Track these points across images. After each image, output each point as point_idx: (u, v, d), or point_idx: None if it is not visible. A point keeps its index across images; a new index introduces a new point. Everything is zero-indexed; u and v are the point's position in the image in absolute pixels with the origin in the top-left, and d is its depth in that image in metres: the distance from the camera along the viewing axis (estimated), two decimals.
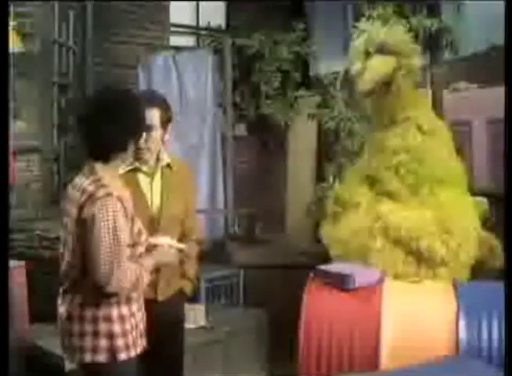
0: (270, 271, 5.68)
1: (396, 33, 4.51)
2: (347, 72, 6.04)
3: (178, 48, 6.98)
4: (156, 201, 3.49)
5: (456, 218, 4.18)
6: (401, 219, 4.21)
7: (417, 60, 4.45)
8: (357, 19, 6.22)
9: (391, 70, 4.35)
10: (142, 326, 3.06)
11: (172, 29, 7.22)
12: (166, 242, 3.17)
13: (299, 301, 3.92)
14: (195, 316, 4.86)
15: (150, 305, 3.29)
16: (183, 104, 6.72)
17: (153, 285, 3.39)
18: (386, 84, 4.39)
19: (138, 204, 3.23)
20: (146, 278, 2.98)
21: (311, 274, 4.10)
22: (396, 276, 4.12)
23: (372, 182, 4.46)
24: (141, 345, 3.03)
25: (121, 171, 3.26)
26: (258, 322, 5.19)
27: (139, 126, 3.01)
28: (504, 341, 3.31)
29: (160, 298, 3.51)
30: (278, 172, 7.50)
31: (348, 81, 6.08)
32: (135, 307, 3.00)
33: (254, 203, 6.83)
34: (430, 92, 5.87)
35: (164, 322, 3.46)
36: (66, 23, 6.05)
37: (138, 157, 3.39)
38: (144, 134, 3.20)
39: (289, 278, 5.34)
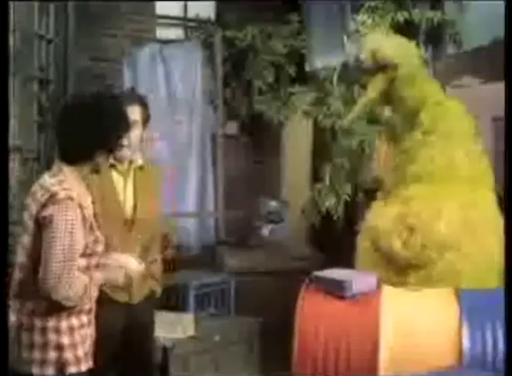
0: (263, 277, 5.70)
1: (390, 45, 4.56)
2: (344, 66, 6.07)
3: (165, 41, 6.99)
4: (130, 202, 3.60)
5: (424, 215, 4.20)
6: (372, 218, 4.31)
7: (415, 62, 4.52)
8: (356, 10, 6.27)
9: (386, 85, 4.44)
10: (92, 339, 3.07)
11: (159, 21, 7.22)
12: (123, 261, 3.18)
13: (293, 310, 3.93)
14: (183, 326, 4.87)
15: (123, 308, 3.38)
16: (170, 100, 6.74)
17: (127, 288, 3.48)
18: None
19: (112, 203, 3.45)
20: (95, 292, 3.00)
21: (307, 280, 4.11)
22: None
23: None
24: (92, 359, 3.04)
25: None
26: (250, 331, 5.20)
27: (110, 136, 3.02)
28: (504, 348, 3.32)
29: (134, 301, 3.59)
30: (271, 173, 7.51)
31: (346, 76, 6.12)
32: (85, 319, 3.00)
33: (246, 205, 6.84)
34: None
35: (137, 324, 3.56)
36: (47, 14, 6.04)
37: (116, 154, 3.46)
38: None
39: (283, 285, 5.36)
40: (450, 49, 6.17)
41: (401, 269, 4.23)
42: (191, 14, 7.44)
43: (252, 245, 6.42)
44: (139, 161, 3.72)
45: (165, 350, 4.70)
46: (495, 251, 4.14)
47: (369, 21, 6.03)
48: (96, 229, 3.01)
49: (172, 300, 5.20)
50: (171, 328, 4.81)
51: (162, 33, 7.23)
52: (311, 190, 6.52)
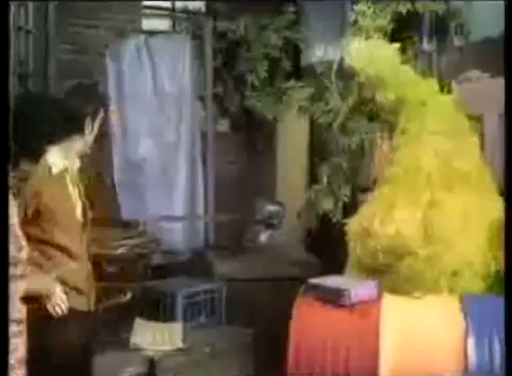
0: (256, 284, 5.70)
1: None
2: (343, 60, 6.09)
3: (151, 33, 6.98)
4: (78, 206, 3.69)
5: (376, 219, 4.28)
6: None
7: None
8: (355, 0, 6.29)
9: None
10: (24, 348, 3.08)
11: (145, 11, 7.24)
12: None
13: (288, 319, 3.95)
14: (171, 337, 4.87)
15: (84, 315, 3.63)
16: (157, 96, 6.75)
17: (87, 296, 3.60)
18: None
19: (68, 207, 3.67)
20: (18, 304, 3.02)
21: (302, 288, 4.13)
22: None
23: None
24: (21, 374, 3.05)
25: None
26: (243, 342, 5.21)
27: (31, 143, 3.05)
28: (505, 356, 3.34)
29: (92, 308, 3.85)
30: (265, 173, 7.53)
31: (345, 70, 6.14)
32: (15, 328, 2.99)
33: (238, 208, 6.85)
34: (436, 82, 5.91)
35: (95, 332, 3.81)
36: (25, 4, 6.05)
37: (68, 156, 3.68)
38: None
39: (277, 293, 5.37)
40: (456, 41, 6.18)
41: (371, 274, 4.26)
42: (179, 4, 7.45)
43: (244, 250, 6.42)
44: (78, 163, 3.85)
45: (152, 363, 4.70)
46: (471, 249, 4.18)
47: (369, 11, 6.05)
48: (21, 238, 3.01)
49: (159, 309, 5.20)
50: (158, 339, 4.82)
51: (148, 24, 7.24)
52: (308, 192, 6.54)
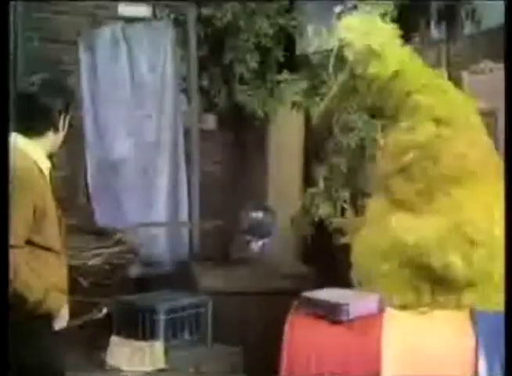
0: (245, 298, 5.71)
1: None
2: (341, 50, 6.10)
3: (129, 20, 6.97)
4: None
5: (479, 223, 4.20)
6: (407, 232, 4.23)
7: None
8: None
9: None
10: None
11: None
12: None
13: (280, 337, 3.96)
14: (151, 357, 4.88)
15: (54, 332, 3.72)
16: (136, 90, 6.75)
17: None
18: None
19: (53, 206, 3.76)
20: None
21: (296, 303, 4.13)
22: (405, 307, 4.14)
23: (384, 190, 4.52)
24: None
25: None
26: (230, 362, 5.22)
27: None
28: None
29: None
30: (256, 175, 7.53)
31: (344, 61, 6.14)
32: None
33: (226, 214, 6.86)
34: (445, 74, 5.92)
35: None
36: None
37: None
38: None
39: (268, 307, 5.38)
40: (467, 29, 6.19)
41: (451, 289, 4.18)
42: None
43: (233, 261, 6.44)
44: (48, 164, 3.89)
45: None
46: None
47: None
48: None
49: (138, 326, 5.20)
50: (138, 359, 4.83)
51: (125, 10, 7.23)
52: (303, 196, 6.55)
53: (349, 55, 4.57)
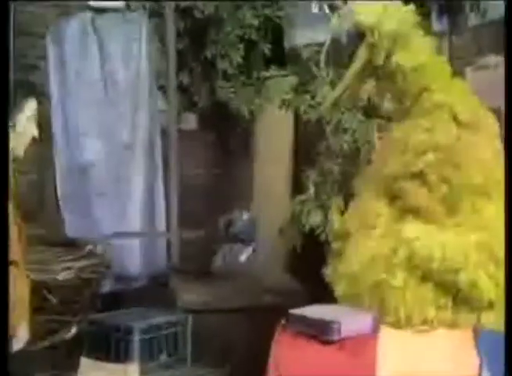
0: (228, 316, 5.73)
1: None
2: (334, 42, 6.13)
3: (100, 11, 6.99)
4: None
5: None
6: (432, 246, 4.25)
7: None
8: None
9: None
10: None
11: None
12: None
13: (266, 357, 3.97)
14: None
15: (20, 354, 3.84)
16: (108, 87, 6.76)
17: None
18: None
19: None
20: None
21: (283, 320, 4.15)
22: (424, 323, 4.14)
23: (391, 195, 4.51)
24: None
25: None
26: None
27: None
28: None
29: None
30: (240, 180, 7.55)
31: (336, 55, 6.18)
32: None
33: (207, 223, 6.87)
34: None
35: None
36: None
37: None
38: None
39: (253, 325, 5.40)
40: (471, 21, 6.23)
41: (473, 308, 4.20)
42: None
43: (215, 275, 6.45)
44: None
45: None
46: None
47: None
48: None
49: (110, 347, 5.22)
50: None
51: (96, 2, 7.23)
52: (292, 203, 6.57)
53: (369, 41, 4.51)
